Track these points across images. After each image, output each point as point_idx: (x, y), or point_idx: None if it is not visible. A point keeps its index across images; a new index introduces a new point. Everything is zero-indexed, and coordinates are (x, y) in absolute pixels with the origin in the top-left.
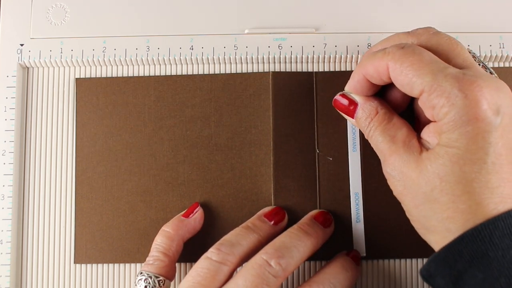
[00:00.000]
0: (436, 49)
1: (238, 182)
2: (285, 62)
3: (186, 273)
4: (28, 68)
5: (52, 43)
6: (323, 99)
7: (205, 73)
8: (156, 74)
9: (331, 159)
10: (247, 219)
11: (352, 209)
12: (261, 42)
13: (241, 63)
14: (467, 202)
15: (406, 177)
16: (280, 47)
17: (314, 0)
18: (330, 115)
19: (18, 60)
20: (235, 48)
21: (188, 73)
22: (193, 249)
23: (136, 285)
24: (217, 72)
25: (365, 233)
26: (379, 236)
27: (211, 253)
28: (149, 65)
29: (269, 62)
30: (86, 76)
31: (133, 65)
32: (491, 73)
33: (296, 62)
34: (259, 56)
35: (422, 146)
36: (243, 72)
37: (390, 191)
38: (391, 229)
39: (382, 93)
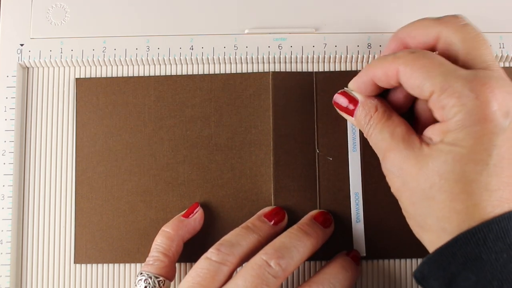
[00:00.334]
0: (459, 44)
1: (238, 182)
2: (285, 62)
3: (186, 273)
4: (28, 68)
5: (52, 43)
6: (323, 99)
7: (205, 73)
8: (156, 74)
9: (331, 159)
10: (247, 219)
11: (352, 209)
12: (261, 42)
13: (241, 63)
14: (464, 202)
15: (405, 173)
16: (280, 47)
17: (314, 0)
18: (330, 115)
19: (18, 60)
20: (235, 48)
21: (188, 73)
22: (193, 249)
23: (136, 285)
24: (217, 72)
25: (365, 233)
26: (379, 236)
27: (211, 253)
28: (149, 65)
29: (269, 62)
30: (86, 76)
31: (133, 65)
32: None
33: (296, 62)
34: (259, 56)
35: (423, 142)
36: (243, 72)
37: (390, 191)
38: (391, 229)
39: (385, 94)
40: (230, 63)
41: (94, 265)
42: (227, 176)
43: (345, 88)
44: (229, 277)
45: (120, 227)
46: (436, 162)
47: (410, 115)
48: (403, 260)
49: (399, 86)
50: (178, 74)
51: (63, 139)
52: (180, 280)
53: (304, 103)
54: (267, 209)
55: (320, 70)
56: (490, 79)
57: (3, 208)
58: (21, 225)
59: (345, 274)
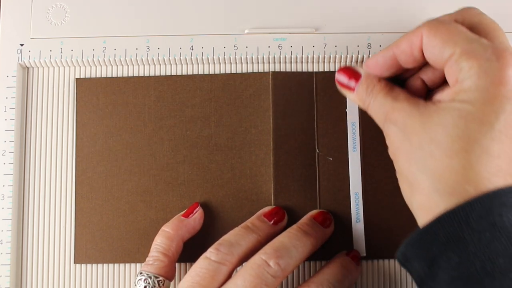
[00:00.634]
0: (478, 27)
1: (238, 182)
2: (285, 62)
3: (186, 273)
4: (28, 68)
5: (52, 43)
6: (323, 99)
7: (205, 73)
8: (156, 74)
9: (331, 159)
10: (247, 219)
11: (352, 209)
12: (261, 42)
13: (241, 63)
14: (462, 161)
15: (407, 127)
16: (280, 47)
17: (314, 0)
18: (330, 115)
19: (18, 60)
20: (235, 48)
21: (188, 73)
22: (193, 249)
23: (135, 285)
24: (217, 72)
25: (365, 233)
26: (379, 236)
27: (210, 253)
28: (149, 65)
29: (269, 62)
30: (86, 76)
31: (133, 65)
32: None
33: (296, 62)
34: (259, 56)
35: (430, 102)
36: (243, 72)
37: (390, 191)
38: (391, 229)
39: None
40: (230, 63)
41: (94, 265)
42: (227, 176)
43: (348, 66)
44: (229, 277)
45: (120, 227)
46: (441, 116)
47: None
48: None
49: (418, 66)
50: (178, 74)
51: (63, 139)
52: (179, 280)
53: (304, 103)
54: (266, 208)
55: (320, 70)
56: (511, 50)
57: (3, 208)
58: (21, 225)
59: (345, 274)
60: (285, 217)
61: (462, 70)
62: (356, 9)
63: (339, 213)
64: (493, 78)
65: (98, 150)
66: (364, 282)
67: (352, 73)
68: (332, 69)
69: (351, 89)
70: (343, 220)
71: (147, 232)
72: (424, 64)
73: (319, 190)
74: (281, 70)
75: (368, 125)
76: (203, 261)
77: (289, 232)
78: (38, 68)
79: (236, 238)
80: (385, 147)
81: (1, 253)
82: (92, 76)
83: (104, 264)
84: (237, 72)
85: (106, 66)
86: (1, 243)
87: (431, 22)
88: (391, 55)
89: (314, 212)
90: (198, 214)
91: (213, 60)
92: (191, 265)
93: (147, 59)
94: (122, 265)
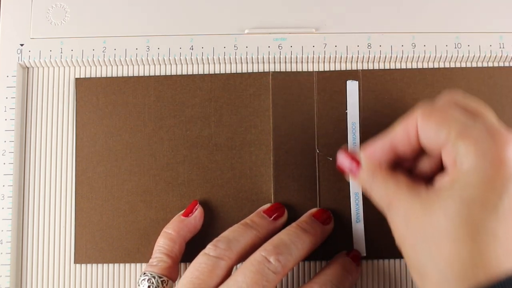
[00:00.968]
0: (465, 109)
1: (238, 182)
2: (285, 62)
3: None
4: (28, 68)
5: (52, 43)
6: (323, 99)
7: (205, 73)
8: (156, 74)
9: (331, 159)
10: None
11: (352, 209)
12: (261, 42)
13: (241, 63)
14: (469, 248)
15: (410, 217)
16: (280, 47)
17: (314, 0)
18: (330, 115)
19: (18, 60)
20: (235, 48)
21: (188, 73)
22: (193, 249)
23: (139, 285)
24: (217, 72)
25: (365, 233)
26: (379, 236)
27: (208, 249)
28: (149, 65)
29: (269, 62)
30: (86, 76)
31: (133, 65)
32: None
33: (296, 62)
34: (259, 56)
35: (430, 189)
36: (243, 72)
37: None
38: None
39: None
40: (230, 63)
41: (94, 265)
42: (227, 176)
43: (350, 149)
44: (228, 272)
45: (120, 227)
46: (443, 204)
47: None
48: (403, 260)
49: (415, 154)
50: (178, 74)
51: (63, 139)
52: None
53: (304, 103)
54: (266, 205)
55: (320, 70)
56: (506, 130)
57: (3, 208)
58: (21, 225)
59: (346, 275)
60: (285, 213)
61: (459, 152)
62: (356, 9)
63: (339, 213)
64: (492, 158)
65: (98, 150)
66: (364, 282)
67: (353, 158)
68: (332, 69)
69: (352, 173)
70: (343, 220)
71: (147, 232)
72: (420, 152)
73: (319, 190)
74: (281, 70)
75: (368, 125)
76: (201, 257)
77: (288, 230)
78: (38, 68)
79: (234, 234)
80: None
81: (1, 253)
82: (92, 76)
83: (104, 264)
84: (237, 72)
85: (106, 66)
86: (1, 243)
87: (424, 107)
88: (388, 145)
89: (313, 210)
90: (198, 213)
91: (213, 60)
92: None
93: (147, 59)
94: (122, 265)
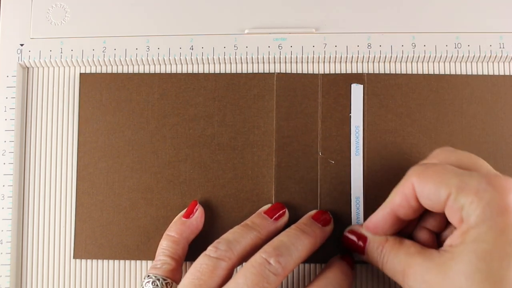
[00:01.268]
0: (458, 163)
1: (239, 182)
2: (285, 62)
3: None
4: (28, 68)
5: (52, 43)
6: (327, 101)
7: (205, 73)
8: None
9: (333, 162)
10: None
11: (352, 213)
12: (261, 42)
13: (241, 63)
14: None
15: (428, 282)
16: (280, 47)
17: (314, 0)
18: (334, 118)
19: (18, 60)
20: (235, 48)
21: (189, 73)
22: (193, 249)
23: (143, 287)
24: (217, 72)
25: None
26: None
27: (209, 250)
28: (149, 65)
29: (269, 62)
30: None
31: (133, 65)
32: None
33: (296, 62)
34: (259, 56)
35: (442, 251)
36: (243, 72)
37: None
38: None
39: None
40: (230, 63)
41: (94, 261)
42: (229, 176)
43: (353, 226)
44: (229, 273)
45: (120, 223)
46: (460, 264)
47: None
48: None
49: (419, 215)
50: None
51: (63, 138)
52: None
53: (308, 105)
54: (267, 206)
55: (320, 70)
56: (503, 177)
57: (3, 208)
58: (21, 225)
59: (345, 279)
60: (286, 213)
61: (463, 208)
62: (356, 9)
63: (339, 217)
64: (497, 207)
65: (100, 146)
66: (364, 286)
67: (358, 235)
68: (333, 69)
69: (360, 250)
70: (343, 224)
71: (147, 229)
72: (424, 211)
73: (320, 193)
74: (281, 70)
75: (372, 129)
76: (202, 258)
77: (288, 232)
78: (38, 68)
79: (234, 236)
80: (388, 152)
81: (1, 253)
82: None
83: (104, 260)
84: (237, 72)
85: (106, 66)
86: (1, 243)
87: (417, 169)
88: (389, 213)
89: (312, 212)
90: (198, 213)
91: (213, 60)
92: (192, 264)
93: (147, 59)
94: (121, 261)
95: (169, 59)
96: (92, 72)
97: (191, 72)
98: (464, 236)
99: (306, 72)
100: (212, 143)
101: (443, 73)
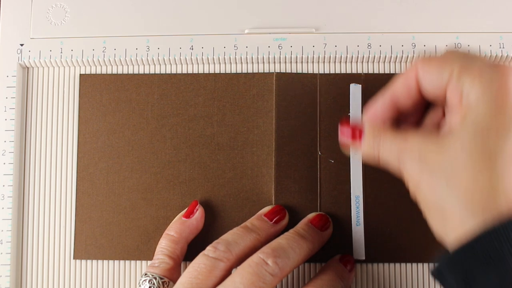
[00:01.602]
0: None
1: (239, 182)
2: (285, 62)
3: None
4: (28, 68)
5: (52, 43)
6: (326, 101)
7: (205, 73)
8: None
9: (332, 161)
10: (247, 219)
11: (352, 212)
12: (261, 42)
13: (241, 63)
14: (488, 175)
15: (425, 157)
16: (280, 47)
17: (314, 0)
18: (333, 117)
19: (18, 60)
20: (235, 48)
21: (189, 73)
22: (193, 249)
23: (140, 285)
24: (217, 72)
25: (365, 236)
26: (379, 240)
27: (208, 250)
28: (149, 65)
29: (269, 62)
30: None
31: (133, 65)
32: None
33: (296, 62)
34: (259, 56)
35: (440, 131)
36: (243, 72)
37: (391, 195)
38: (391, 233)
39: None
40: (230, 63)
41: (94, 261)
42: (228, 175)
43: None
44: (226, 274)
45: (120, 224)
46: (457, 138)
47: None
48: (403, 264)
49: (419, 104)
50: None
51: (63, 138)
52: None
53: (307, 105)
54: (267, 208)
55: (320, 70)
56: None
57: (3, 208)
58: (21, 225)
59: (339, 281)
60: (286, 216)
61: (464, 85)
62: (356, 9)
63: (339, 216)
64: (498, 86)
65: (100, 146)
66: (364, 286)
67: (354, 126)
68: (333, 68)
69: (356, 141)
70: (343, 223)
71: (147, 229)
72: (422, 106)
73: (320, 192)
74: (281, 70)
75: None
76: (200, 258)
77: (286, 235)
78: (38, 68)
79: (234, 237)
80: None
81: (1, 253)
82: None
83: (104, 261)
84: (237, 72)
85: (106, 66)
86: (1, 243)
87: (423, 58)
88: (389, 99)
89: (311, 215)
90: (198, 213)
91: (213, 60)
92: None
93: (147, 59)
94: (121, 262)
95: (169, 59)
96: (92, 72)
97: (191, 72)
98: (464, 114)
99: (306, 72)
100: (212, 143)
101: None
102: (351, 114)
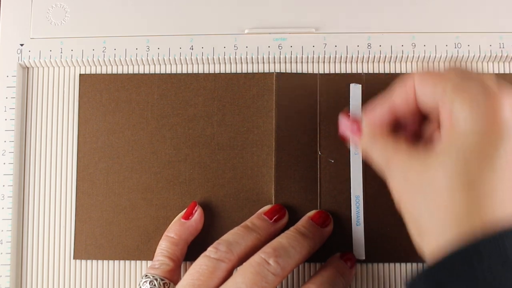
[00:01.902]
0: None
1: (239, 182)
2: (285, 62)
3: (185, 272)
4: (28, 68)
5: (52, 43)
6: (326, 101)
7: (205, 73)
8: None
9: (332, 161)
10: (247, 219)
11: (352, 212)
12: (261, 42)
13: (241, 63)
14: (464, 197)
15: (408, 173)
16: (280, 47)
17: (314, 0)
18: (333, 117)
19: (18, 60)
20: (235, 48)
21: (189, 73)
22: (193, 249)
23: (140, 287)
24: (217, 72)
25: (365, 236)
26: (379, 240)
27: (209, 251)
28: (149, 65)
29: (269, 62)
30: None
31: (133, 65)
32: None
33: (296, 62)
34: (259, 56)
35: (428, 148)
36: (243, 72)
37: (391, 195)
38: (391, 232)
39: None
40: (230, 63)
41: (94, 261)
42: (228, 175)
43: (350, 112)
44: (228, 274)
45: (120, 224)
46: (440, 158)
47: None
48: (402, 264)
49: (416, 114)
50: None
51: (63, 138)
52: None
53: (307, 105)
54: (267, 207)
55: (320, 70)
56: (502, 84)
57: (3, 208)
58: (21, 225)
59: (340, 277)
60: (285, 214)
61: (455, 106)
62: (356, 9)
63: (339, 216)
64: (486, 111)
65: (100, 146)
66: (364, 286)
67: (354, 121)
68: (333, 69)
69: (354, 136)
70: (343, 223)
71: (147, 229)
72: (420, 117)
73: (320, 192)
74: (281, 70)
75: None
76: (202, 259)
77: (287, 234)
78: (38, 68)
79: (234, 237)
80: None
81: (1, 253)
82: None
83: (104, 261)
84: (238, 72)
85: (106, 66)
86: (1, 243)
87: (421, 71)
88: (388, 106)
89: (312, 213)
90: (198, 215)
91: (213, 60)
92: (191, 264)
93: (147, 59)
94: (121, 262)
95: (169, 59)
96: (92, 72)
97: (191, 72)
98: (451, 134)
99: (306, 72)
100: (212, 143)
101: None
102: (351, 114)
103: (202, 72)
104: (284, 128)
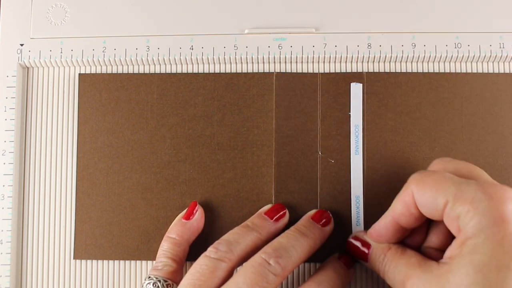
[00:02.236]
0: (456, 174)
1: (239, 182)
2: (285, 62)
3: (186, 272)
4: (28, 68)
5: (52, 43)
6: (326, 100)
7: (205, 72)
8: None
9: (333, 161)
10: (247, 219)
11: (352, 212)
12: (261, 42)
13: (241, 63)
14: None
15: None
16: (280, 47)
17: (314, 0)
18: (333, 117)
19: (18, 60)
20: (235, 48)
21: (188, 73)
22: (193, 249)
23: None
24: (217, 72)
25: None
26: None
27: (210, 251)
28: (149, 65)
29: (269, 62)
30: None
31: (133, 65)
32: None
33: (296, 62)
34: (259, 56)
35: (441, 263)
36: (243, 72)
37: (391, 195)
38: None
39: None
40: (230, 63)
41: (94, 261)
42: (228, 175)
43: (357, 233)
44: (229, 274)
45: (120, 224)
46: (457, 276)
47: None
48: None
49: (421, 223)
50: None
51: (63, 138)
52: None
53: (308, 105)
54: (267, 206)
55: (320, 70)
56: (501, 185)
57: (3, 208)
58: (21, 225)
59: (338, 278)
60: (286, 213)
61: (460, 217)
62: (356, 9)
63: (339, 216)
64: (493, 218)
65: (99, 146)
66: (364, 286)
67: (362, 241)
68: (332, 68)
69: (364, 257)
70: (343, 223)
71: (147, 229)
72: (426, 219)
73: (320, 192)
74: (281, 70)
75: (371, 128)
76: (202, 259)
77: (287, 233)
78: (38, 68)
79: (235, 236)
80: (388, 151)
81: (1, 253)
82: None
83: (104, 261)
84: (238, 72)
85: (106, 66)
86: (1, 243)
87: (416, 176)
88: (391, 221)
89: (312, 212)
90: (198, 215)
91: (213, 60)
92: (192, 264)
93: (147, 59)
94: (121, 262)
95: (169, 59)
96: (92, 72)
97: (191, 72)
98: (462, 247)
99: (306, 72)
100: (212, 143)
101: (443, 71)
102: (351, 113)
103: (202, 72)
104: (284, 128)
